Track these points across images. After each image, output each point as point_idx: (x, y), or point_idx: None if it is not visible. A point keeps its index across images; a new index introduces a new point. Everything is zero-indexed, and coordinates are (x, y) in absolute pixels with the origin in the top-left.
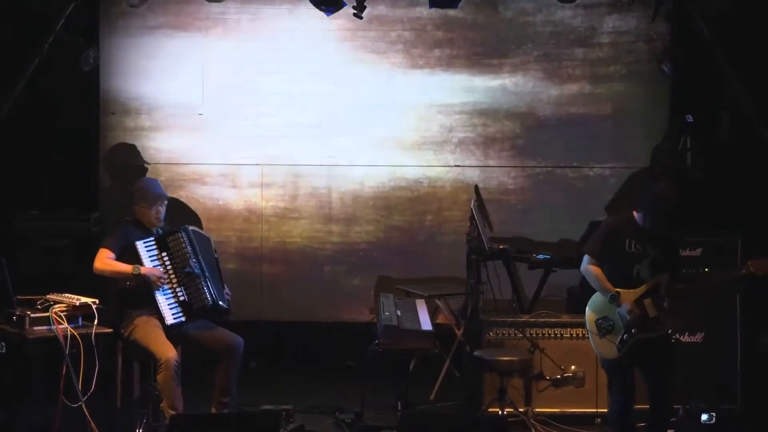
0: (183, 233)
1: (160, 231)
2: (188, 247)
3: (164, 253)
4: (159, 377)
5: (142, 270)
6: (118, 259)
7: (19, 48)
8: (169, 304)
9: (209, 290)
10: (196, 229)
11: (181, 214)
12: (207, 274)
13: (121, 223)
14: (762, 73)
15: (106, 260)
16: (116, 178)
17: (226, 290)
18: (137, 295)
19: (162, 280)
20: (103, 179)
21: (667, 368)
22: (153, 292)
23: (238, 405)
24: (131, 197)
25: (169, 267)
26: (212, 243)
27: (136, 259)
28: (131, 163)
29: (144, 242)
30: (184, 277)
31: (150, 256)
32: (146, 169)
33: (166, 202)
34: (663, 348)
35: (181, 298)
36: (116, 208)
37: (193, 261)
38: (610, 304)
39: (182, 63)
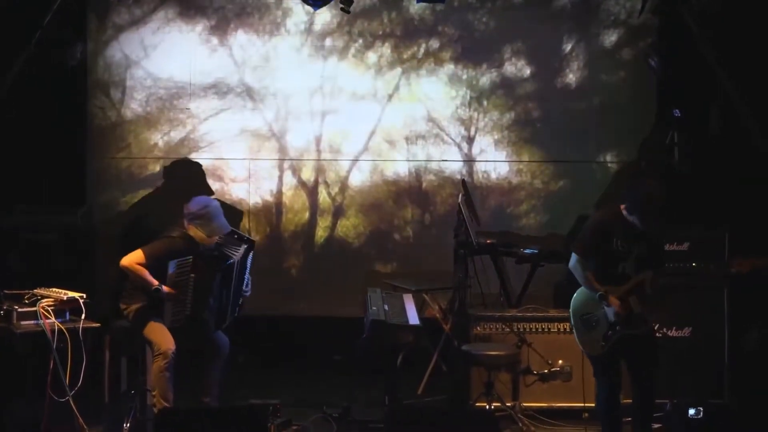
0: (219, 275)
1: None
2: (216, 285)
3: (193, 275)
4: (154, 366)
5: (165, 289)
6: (151, 265)
7: (6, 43)
8: (173, 313)
9: (215, 323)
10: (241, 259)
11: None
12: (222, 305)
13: (172, 242)
14: (751, 67)
15: (135, 266)
16: (105, 173)
17: (246, 293)
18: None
19: (175, 304)
20: (90, 174)
21: (651, 364)
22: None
23: (219, 404)
24: (189, 215)
25: (190, 287)
26: (252, 251)
27: (162, 272)
28: (118, 156)
29: (179, 261)
30: (199, 301)
31: (179, 272)
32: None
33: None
34: (647, 344)
35: (187, 313)
36: (103, 202)
37: (212, 299)
38: (599, 302)
39: (169, 57)
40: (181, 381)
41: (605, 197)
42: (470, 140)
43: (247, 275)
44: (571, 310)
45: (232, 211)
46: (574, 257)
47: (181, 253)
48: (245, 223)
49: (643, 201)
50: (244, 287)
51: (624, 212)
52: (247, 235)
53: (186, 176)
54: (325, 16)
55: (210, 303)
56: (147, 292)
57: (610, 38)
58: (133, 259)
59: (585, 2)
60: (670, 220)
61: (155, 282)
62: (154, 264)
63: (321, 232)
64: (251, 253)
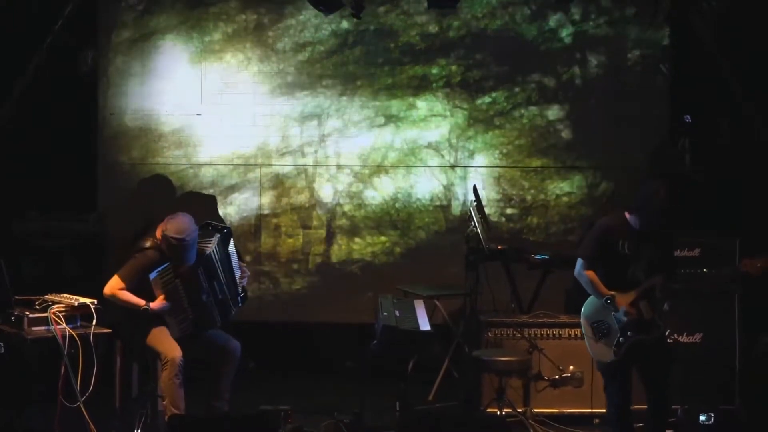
0: (201, 270)
1: None
2: (203, 279)
3: (178, 280)
4: (163, 375)
5: (152, 306)
6: (134, 285)
7: (18, 49)
8: (178, 322)
9: (219, 315)
10: (217, 247)
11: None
12: (219, 297)
13: (144, 257)
14: (761, 72)
15: (117, 291)
16: (117, 179)
17: (243, 281)
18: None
19: (171, 313)
20: (101, 180)
21: (664, 369)
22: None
23: (230, 411)
24: (164, 238)
25: (181, 291)
26: (231, 238)
27: (149, 285)
28: (131, 162)
29: (158, 270)
30: (195, 302)
31: (163, 282)
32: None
33: None
34: (659, 349)
35: (191, 317)
36: (115, 208)
37: (204, 294)
38: (606, 307)
39: (180, 63)
40: (194, 387)
41: (615, 204)
42: (481, 147)
43: (235, 262)
44: (582, 317)
45: (205, 198)
46: (579, 263)
47: (157, 263)
48: (258, 228)
49: (646, 198)
50: (238, 276)
51: (629, 218)
52: (221, 224)
53: (195, 184)
54: (338, 22)
55: (204, 299)
56: (138, 315)
57: (621, 45)
58: (113, 285)
59: (596, 10)
60: (680, 224)
61: (142, 302)
62: (136, 283)
63: (333, 238)
64: (231, 240)
